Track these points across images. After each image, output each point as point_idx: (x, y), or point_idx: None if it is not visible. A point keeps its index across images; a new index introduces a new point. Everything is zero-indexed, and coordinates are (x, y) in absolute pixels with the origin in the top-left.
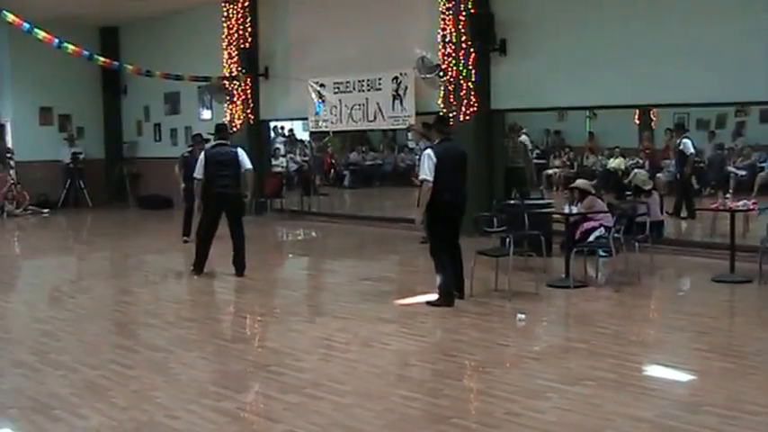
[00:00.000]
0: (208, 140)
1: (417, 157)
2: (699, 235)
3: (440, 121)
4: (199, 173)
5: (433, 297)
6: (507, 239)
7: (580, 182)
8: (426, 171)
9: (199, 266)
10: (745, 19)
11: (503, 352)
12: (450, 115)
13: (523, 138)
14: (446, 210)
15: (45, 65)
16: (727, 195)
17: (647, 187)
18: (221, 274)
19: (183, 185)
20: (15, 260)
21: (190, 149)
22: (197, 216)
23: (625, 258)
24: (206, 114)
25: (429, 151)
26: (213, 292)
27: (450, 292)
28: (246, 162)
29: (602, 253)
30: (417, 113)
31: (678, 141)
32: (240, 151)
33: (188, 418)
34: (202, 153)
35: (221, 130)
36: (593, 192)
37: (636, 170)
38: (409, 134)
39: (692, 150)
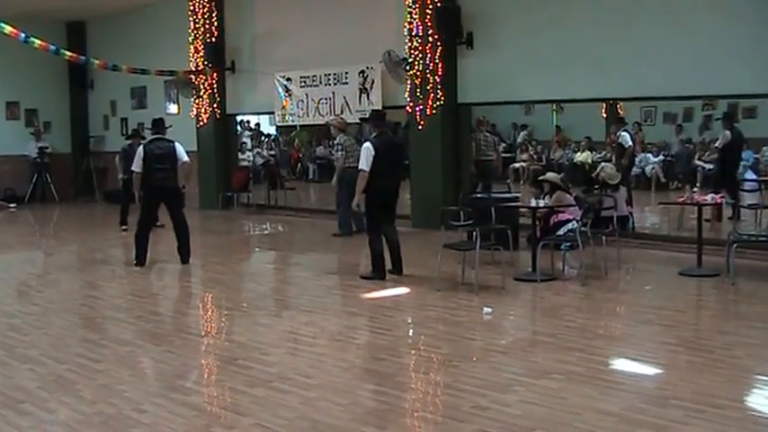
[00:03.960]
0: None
1: (334, 150)
2: (666, 229)
3: (376, 116)
4: (137, 166)
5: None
6: (474, 233)
7: (550, 175)
8: (364, 162)
9: (140, 258)
10: (711, 14)
11: (470, 346)
12: (418, 109)
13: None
14: (381, 195)
15: (11, 59)
16: (695, 189)
17: (615, 182)
18: (185, 267)
19: (122, 177)
20: None
21: (129, 143)
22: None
23: (592, 252)
24: (173, 109)
25: (368, 144)
26: (180, 285)
27: (383, 266)
28: (183, 155)
29: (565, 245)
30: (384, 107)
31: (617, 134)
32: (178, 145)
33: (155, 412)
34: (141, 147)
35: (158, 124)
36: (563, 185)
37: (603, 164)
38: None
39: (630, 143)
